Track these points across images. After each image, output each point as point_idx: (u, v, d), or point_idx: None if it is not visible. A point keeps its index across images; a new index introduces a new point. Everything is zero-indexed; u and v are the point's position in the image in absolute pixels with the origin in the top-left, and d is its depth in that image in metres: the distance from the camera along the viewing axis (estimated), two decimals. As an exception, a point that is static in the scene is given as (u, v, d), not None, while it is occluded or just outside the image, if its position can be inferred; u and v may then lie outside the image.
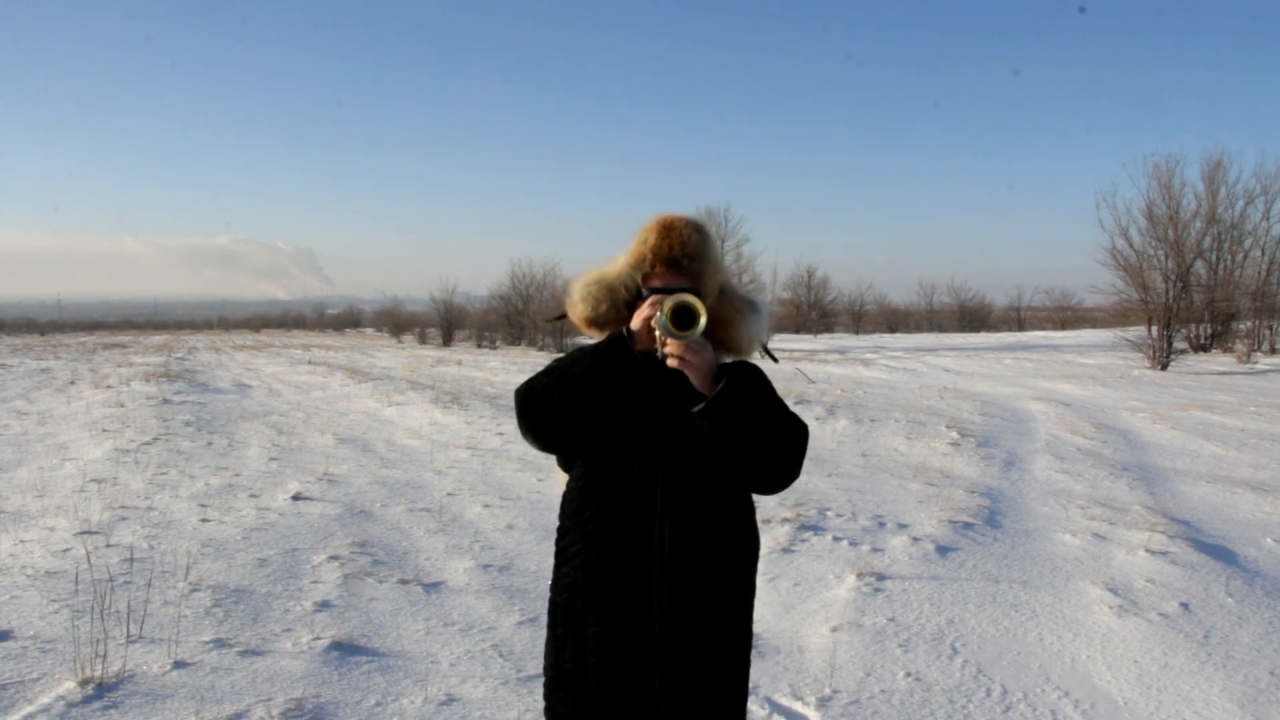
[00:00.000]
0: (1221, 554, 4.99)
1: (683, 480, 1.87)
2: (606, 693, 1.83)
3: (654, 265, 1.91)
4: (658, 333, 1.80)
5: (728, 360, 1.96)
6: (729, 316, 1.96)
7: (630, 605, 1.84)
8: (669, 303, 1.78)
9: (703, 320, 1.77)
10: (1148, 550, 4.99)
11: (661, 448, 1.88)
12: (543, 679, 1.98)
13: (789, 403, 11.75)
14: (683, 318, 1.78)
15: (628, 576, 1.85)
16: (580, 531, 1.91)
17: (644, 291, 1.92)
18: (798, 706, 3.22)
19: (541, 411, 1.85)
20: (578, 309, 1.99)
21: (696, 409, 1.80)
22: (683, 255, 1.89)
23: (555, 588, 1.96)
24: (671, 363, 1.80)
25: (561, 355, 1.97)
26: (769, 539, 5.26)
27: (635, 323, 1.85)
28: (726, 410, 1.78)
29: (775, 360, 2.12)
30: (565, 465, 2.05)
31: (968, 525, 5.63)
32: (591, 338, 2.01)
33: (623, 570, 1.85)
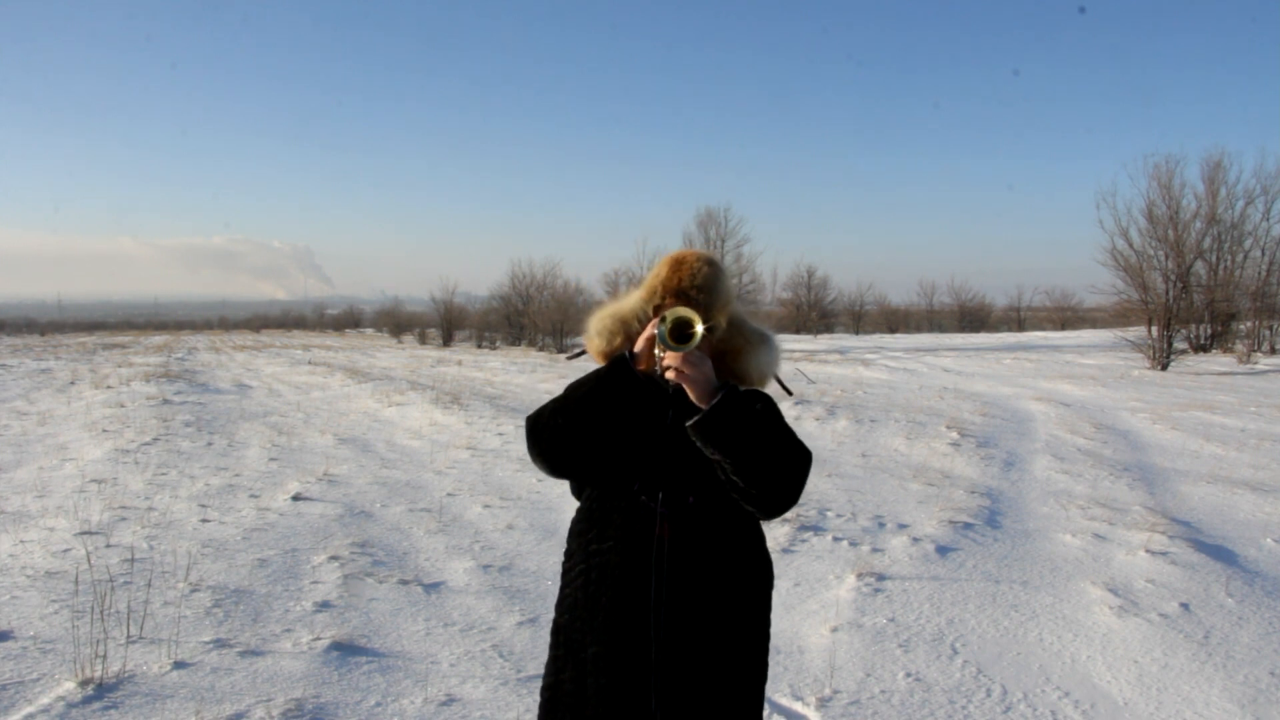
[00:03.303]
0: (1221, 554, 4.99)
1: (683, 501, 1.87)
2: (604, 714, 1.83)
3: (664, 297, 1.95)
4: (656, 348, 1.82)
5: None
6: (739, 347, 1.98)
7: (627, 626, 1.84)
8: (668, 316, 1.81)
9: (699, 332, 1.78)
10: (1148, 550, 4.99)
11: (663, 468, 1.89)
12: (539, 699, 1.98)
13: (789, 404, 11.72)
14: (681, 331, 1.80)
15: (625, 597, 1.84)
16: (583, 553, 1.92)
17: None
18: (798, 707, 3.22)
19: (547, 434, 1.88)
20: (594, 343, 2.04)
21: (690, 422, 1.80)
22: (691, 287, 1.93)
23: (558, 609, 1.98)
24: (670, 375, 1.80)
25: (568, 377, 1.99)
26: (769, 539, 5.25)
27: (638, 344, 1.88)
28: (718, 425, 1.77)
29: (790, 394, 2.12)
30: (577, 493, 2.07)
31: (968, 525, 5.63)
32: None
33: (620, 591, 1.85)
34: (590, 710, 1.85)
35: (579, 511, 2.01)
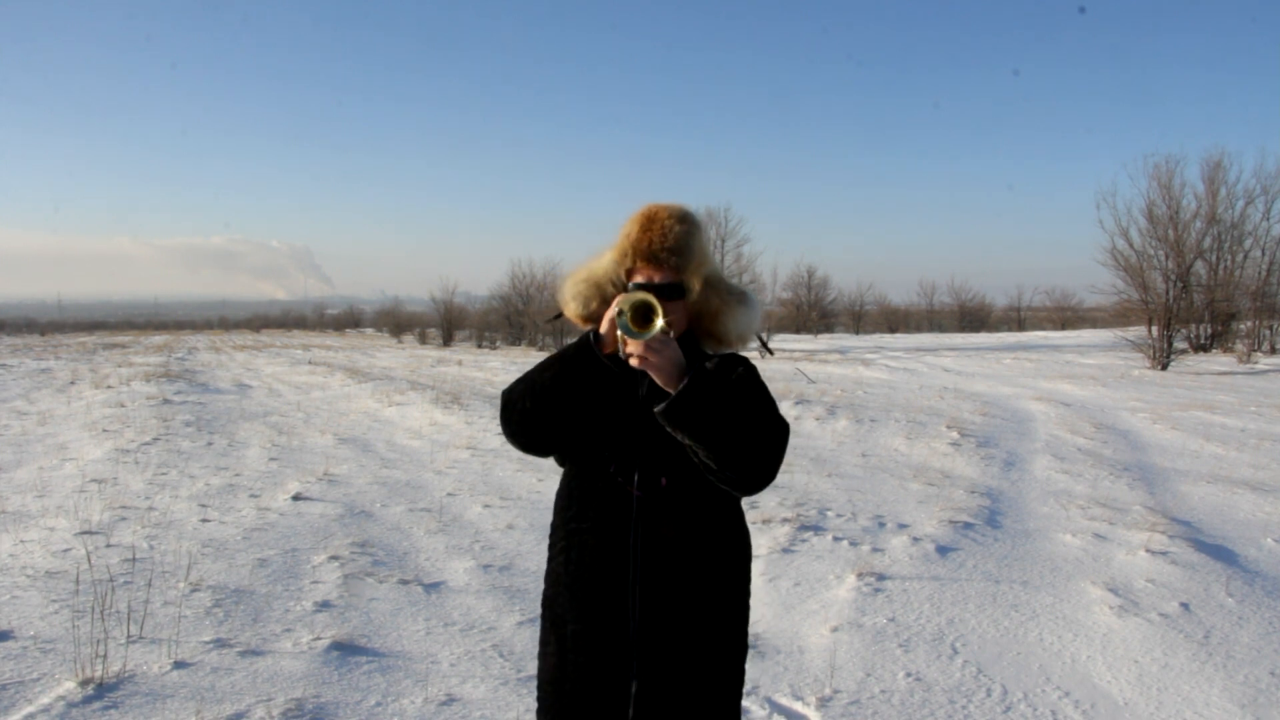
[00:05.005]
0: (1221, 554, 4.99)
1: (656, 482, 1.85)
2: (581, 690, 1.85)
3: (634, 260, 1.88)
4: (619, 333, 1.77)
5: (713, 353, 1.93)
6: (715, 308, 1.91)
7: (605, 607, 1.84)
8: (626, 302, 1.74)
9: (659, 318, 1.73)
10: (1148, 550, 4.99)
11: (637, 450, 1.86)
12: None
13: (789, 403, 11.69)
14: (642, 316, 1.74)
15: (603, 578, 1.85)
16: (564, 530, 1.94)
17: (628, 286, 1.89)
18: (798, 706, 3.22)
19: (518, 419, 1.87)
20: (570, 307, 1.97)
21: (657, 409, 1.76)
22: (663, 249, 1.85)
23: (546, 580, 2.01)
24: (634, 363, 1.76)
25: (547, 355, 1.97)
26: (769, 539, 5.26)
27: (604, 325, 1.82)
28: (685, 410, 1.72)
29: (771, 353, 2.10)
30: (561, 463, 2.06)
31: (968, 525, 5.63)
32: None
33: (598, 572, 1.86)
34: (569, 685, 1.87)
35: (561, 486, 1.99)
